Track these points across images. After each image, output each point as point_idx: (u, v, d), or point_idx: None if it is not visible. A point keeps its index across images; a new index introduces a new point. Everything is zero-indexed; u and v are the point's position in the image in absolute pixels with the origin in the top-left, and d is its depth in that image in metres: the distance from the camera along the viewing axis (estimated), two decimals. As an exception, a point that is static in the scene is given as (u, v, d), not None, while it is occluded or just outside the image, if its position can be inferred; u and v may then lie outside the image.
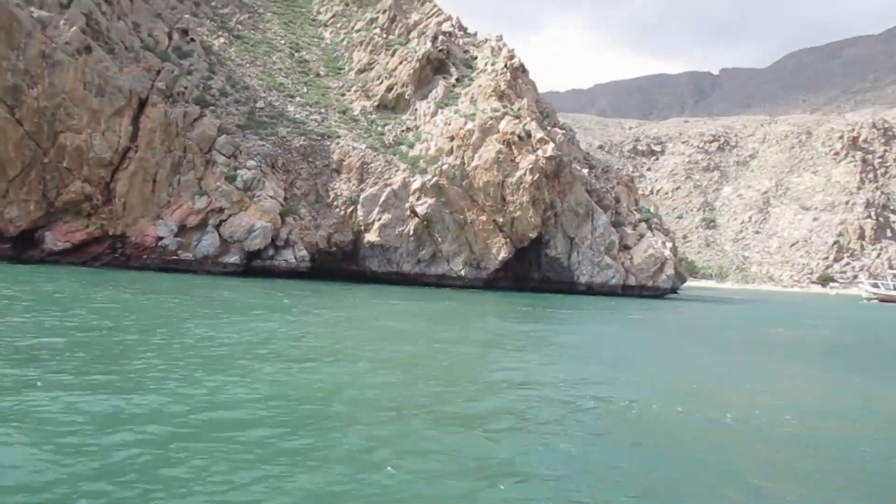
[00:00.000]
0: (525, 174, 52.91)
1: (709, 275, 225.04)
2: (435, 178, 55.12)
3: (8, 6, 49.92)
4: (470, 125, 56.32)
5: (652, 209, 62.39)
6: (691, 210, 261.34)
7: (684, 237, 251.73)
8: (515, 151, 54.24)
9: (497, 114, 56.54)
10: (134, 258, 52.77)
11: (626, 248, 58.34)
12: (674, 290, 77.69)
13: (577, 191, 55.59)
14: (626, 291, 56.30)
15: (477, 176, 54.66)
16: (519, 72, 63.01)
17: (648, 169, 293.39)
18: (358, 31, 75.00)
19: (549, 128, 60.80)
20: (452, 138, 56.74)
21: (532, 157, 53.24)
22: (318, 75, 68.84)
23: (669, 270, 56.91)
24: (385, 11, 74.69)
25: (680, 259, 64.00)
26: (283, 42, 72.34)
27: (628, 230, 59.09)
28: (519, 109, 57.53)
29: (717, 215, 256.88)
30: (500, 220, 54.52)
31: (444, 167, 55.31)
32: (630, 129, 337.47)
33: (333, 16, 78.69)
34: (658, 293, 57.35)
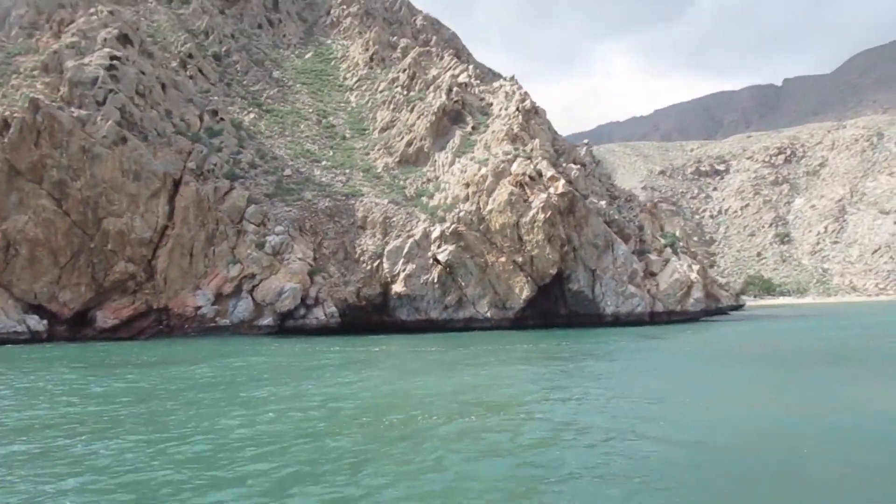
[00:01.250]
0: (538, 213, 54.09)
1: (787, 291, 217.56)
2: (453, 225, 56.89)
3: (49, 110, 55.12)
4: (484, 170, 58.12)
5: (678, 233, 62.29)
6: (763, 226, 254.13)
7: (758, 254, 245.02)
8: (528, 191, 55.56)
9: (509, 157, 58.15)
10: (177, 329, 56.22)
11: (652, 274, 58.37)
12: (720, 312, 76.47)
13: (593, 223, 56.28)
14: (654, 319, 56.18)
15: (493, 219, 56.16)
16: (532, 113, 64.64)
17: (714, 189, 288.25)
18: (381, 91, 78.46)
19: (564, 165, 61.95)
20: (468, 185, 58.60)
21: (544, 196, 54.43)
22: (343, 138, 72.30)
23: (697, 293, 56.55)
24: (405, 70, 77.98)
25: (713, 280, 63.34)
26: (310, 111, 76.37)
27: (653, 257, 59.16)
28: (532, 150, 58.98)
29: (790, 229, 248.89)
30: (520, 259, 55.66)
31: (462, 214, 57.06)
32: (692, 150, 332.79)
33: (358, 80, 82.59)
34: (687, 317, 56.96)
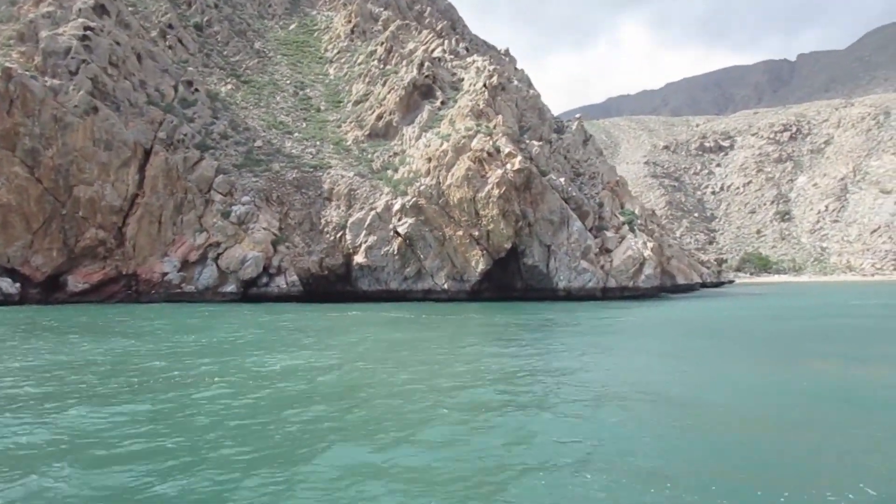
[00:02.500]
0: (493, 188, 55.44)
1: (783, 269, 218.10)
2: (413, 199, 58.40)
3: (22, 79, 56.72)
4: (445, 145, 59.41)
5: (637, 211, 63.42)
6: (764, 204, 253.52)
7: (757, 232, 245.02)
8: (486, 167, 56.88)
9: (470, 132, 59.35)
10: (144, 294, 58.30)
11: (607, 251, 59.72)
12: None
13: (549, 200, 57.58)
14: (606, 294, 57.64)
15: (451, 193, 57.57)
16: (499, 90, 65.66)
17: (717, 165, 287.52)
18: (359, 64, 79.44)
19: (528, 141, 63.10)
20: (430, 159, 59.95)
21: (500, 172, 55.74)
22: (318, 110, 73.56)
23: (649, 270, 57.87)
24: (382, 44, 78.88)
25: (669, 257, 64.60)
26: (288, 82, 77.56)
27: (609, 234, 60.45)
28: (495, 127, 60.15)
29: (792, 207, 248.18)
30: (476, 233, 57.17)
31: (422, 188, 58.51)
32: (697, 126, 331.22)
33: (338, 52, 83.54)
34: (639, 293, 58.40)
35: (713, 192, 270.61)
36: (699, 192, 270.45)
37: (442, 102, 67.70)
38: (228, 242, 58.12)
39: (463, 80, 70.79)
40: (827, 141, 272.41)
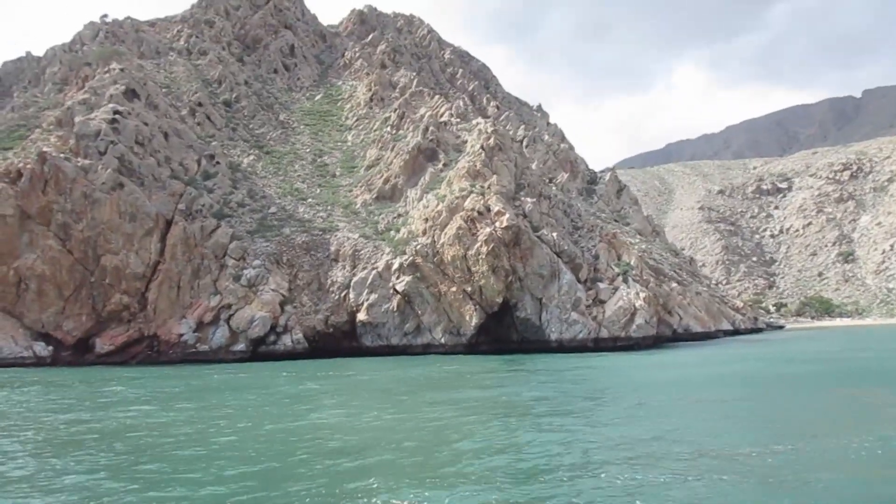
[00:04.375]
0: (482, 245, 58.12)
1: (846, 313, 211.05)
2: (411, 258, 61.51)
3: (56, 161, 62.98)
4: (440, 206, 62.63)
5: (633, 262, 64.80)
6: (825, 245, 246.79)
7: (819, 274, 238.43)
8: (477, 226, 59.69)
9: (464, 193, 62.46)
10: (163, 354, 62.65)
11: (601, 302, 61.22)
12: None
13: (538, 255, 59.75)
14: (599, 345, 58.93)
15: (445, 251, 60.47)
16: (496, 150, 68.68)
17: (776, 207, 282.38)
18: (374, 130, 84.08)
19: (522, 199, 65.71)
20: (427, 220, 63.19)
21: (488, 230, 58.45)
22: (333, 176, 78.12)
23: (640, 320, 58.99)
24: (396, 110, 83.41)
25: (664, 305, 65.46)
26: (308, 150, 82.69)
27: (603, 285, 61.98)
28: (489, 186, 63.10)
29: (855, 247, 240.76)
30: (469, 289, 59.70)
31: (418, 247, 61.63)
32: (754, 168, 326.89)
33: (357, 119, 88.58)
34: (632, 343, 59.45)
35: (772, 236, 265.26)
36: (757, 236, 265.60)
37: (444, 164, 71.26)
38: (239, 304, 62.18)
39: (466, 141, 74.26)
40: (890, 178, 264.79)
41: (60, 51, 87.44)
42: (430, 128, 73.97)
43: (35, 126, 73.03)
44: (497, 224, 58.97)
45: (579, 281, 62.37)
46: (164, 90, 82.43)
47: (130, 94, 72.53)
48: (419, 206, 67.02)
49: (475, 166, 66.32)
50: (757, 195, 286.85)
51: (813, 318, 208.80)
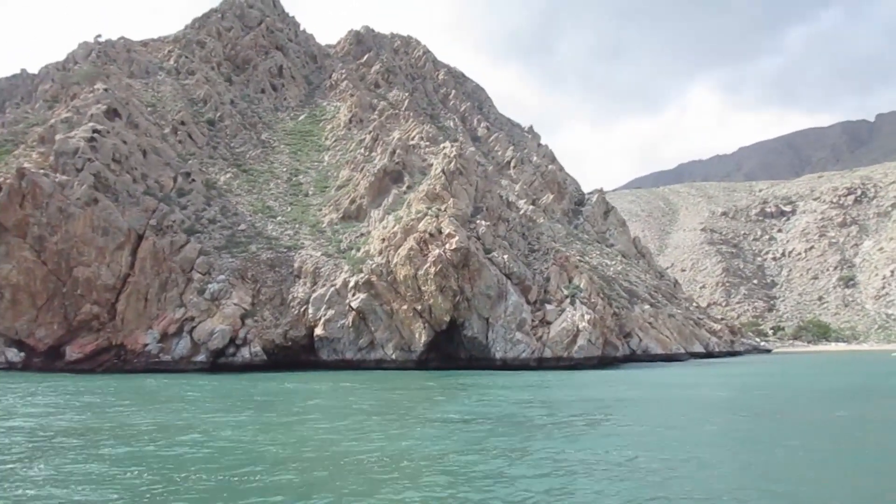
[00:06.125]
0: (430, 266, 60.75)
1: (842, 338, 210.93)
2: (366, 276, 64.21)
3: (34, 177, 66.38)
4: (396, 227, 65.38)
5: (583, 284, 67.08)
6: (827, 269, 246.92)
7: (819, 298, 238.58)
8: (428, 247, 62.34)
9: (420, 215, 65.19)
10: (129, 363, 65.62)
11: (548, 323, 63.58)
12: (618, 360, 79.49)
13: (486, 276, 62.28)
14: (542, 364, 61.23)
15: (398, 271, 63.13)
16: (456, 174, 71.36)
17: (779, 230, 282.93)
18: (350, 151, 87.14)
19: (477, 221, 68.35)
20: (384, 240, 65.93)
21: (437, 252, 61.07)
22: (306, 195, 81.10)
23: (582, 341, 61.28)
24: (370, 132, 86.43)
25: (610, 327, 67.55)
26: (284, 170, 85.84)
27: (551, 307, 64.34)
28: (445, 209, 65.77)
29: (857, 272, 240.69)
30: (419, 307, 62.27)
31: (374, 265, 64.36)
32: (760, 191, 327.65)
33: (335, 140, 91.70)
34: (574, 363, 61.64)
35: (774, 259, 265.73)
36: (759, 259, 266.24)
37: (408, 187, 74.07)
38: (202, 317, 65.08)
39: (432, 164, 77.05)
40: (894, 204, 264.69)
41: (53, 69, 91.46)
42: (398, 150, 76.86)
43: (21, 142, 76.58)
44: (447, 246, 61.55)
45: (529, 302, 64.77)
46: (149, 109, 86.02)
47: (112, 113, 76.01)
48: (379, 227, 69.80)
49: (434, 189, 69.05)
50: (760, 218, 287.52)
51: (809, 342, 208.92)
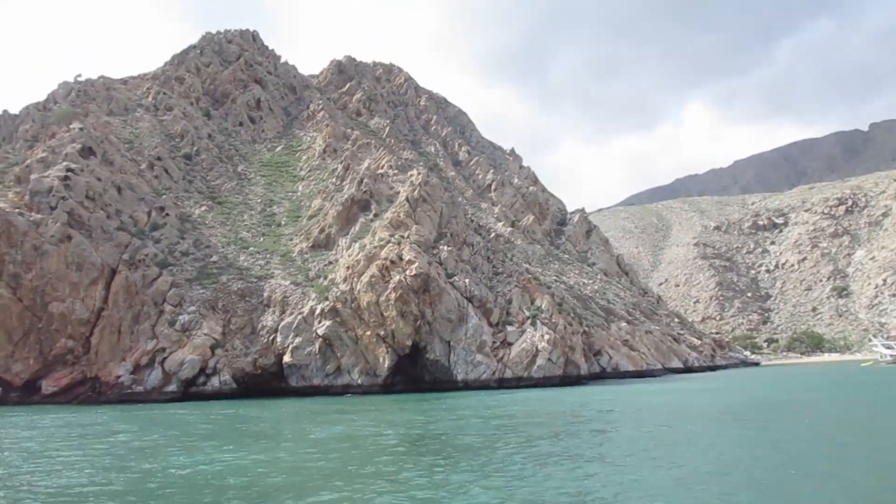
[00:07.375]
0: (391, 292, 62.52)
1: (836, 348, 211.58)
2: (332, 303, 65.98)
3: (8, 216, 68.54)
4: (360, 255, 67.24)
5: (544, 305, 68.70)
6: (820, 280, 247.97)
7: (813, 309, 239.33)
8: (389, 273, 64.14)
9: (382, 242, 67.07)
10: (103, 395, 67.30)
11: (509, 344, 65.18)
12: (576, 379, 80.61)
13: (446, 300, 64.00)
14: (503, 384, 62.73)
15: (361, 297, 64.88)
16: (420, 202, 73.33)
17: (772, 243, 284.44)
18: (323, 181, 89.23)
19: (441, 246, 70.19)
20: (349, 268, 67.77)
21: (398, 278, 62.88)
22: (279, 225, 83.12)
23: (541, 361, 62.81)
24: (342, 162, 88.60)
25: (572, 346, 68.99)
26: (259, 201, 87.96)
27: (512, 328, 65.98)
28: (407, 236, 67.64)
29: (850, 282, 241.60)
30: (382, 332, 63.95)
31: (338, 293, 66.14)
32: (752, 204, 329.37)
33: (310, 170, 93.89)
34: (533, 383, 63.11)
35: (767, 271, 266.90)
36: (753, 272, 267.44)
37: (375, 215, 76.04)
38: (173, 348, 66.84)
39: (399, 192, 79.06)
40: (885, 213, 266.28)
41: (34, 109, 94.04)
42: (365, 180, 78.94)
43: (0, 182, 78.83)
44: (407, 272, 63.35)
45: (490, 324, 66.43)
46: (126, 145, 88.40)
47: (87, 151, 78.36)
48: (345, 255, 71.67)
49: (398, 217, 71.00)
50: (753, 231, 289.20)
51: (803, 353, 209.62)
